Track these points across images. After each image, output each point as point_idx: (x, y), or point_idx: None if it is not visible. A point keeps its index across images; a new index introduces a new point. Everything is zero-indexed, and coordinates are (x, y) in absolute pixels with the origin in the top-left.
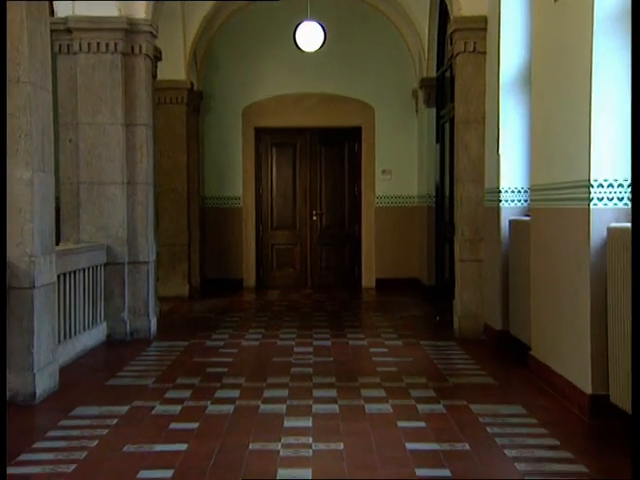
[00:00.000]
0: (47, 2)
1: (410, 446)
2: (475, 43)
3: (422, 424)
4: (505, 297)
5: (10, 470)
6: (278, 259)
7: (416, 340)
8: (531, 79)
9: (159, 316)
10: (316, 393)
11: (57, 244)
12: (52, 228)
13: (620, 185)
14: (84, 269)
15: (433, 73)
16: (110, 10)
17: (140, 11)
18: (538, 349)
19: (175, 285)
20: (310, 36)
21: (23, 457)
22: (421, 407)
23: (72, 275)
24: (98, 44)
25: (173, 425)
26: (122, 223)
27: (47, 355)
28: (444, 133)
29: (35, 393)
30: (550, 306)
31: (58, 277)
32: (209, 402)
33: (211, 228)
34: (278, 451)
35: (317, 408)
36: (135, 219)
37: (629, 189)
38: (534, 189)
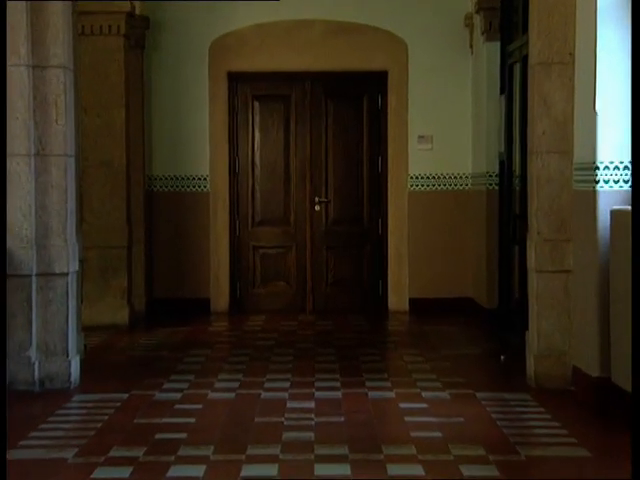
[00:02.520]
0: None
1: None
2: None
3: None
4: (605, 327)
5: None
6: (264, 269)
7: (470, 391)
8: None
9: (84, 355)
10: (320, 470)
11: None
12: None
13: None
14: None
15: None
16: None
17: None
18: None
19: (108, 308)
20: None
21: None
22: None
23: None
24: None
25: None
26: (28, 215)
27: None
28: (512, 80)
29: None
30: None
31: None
32: None
33: (162, 223)
34: None
35: None
36: (48, 209)
37: None
38: None
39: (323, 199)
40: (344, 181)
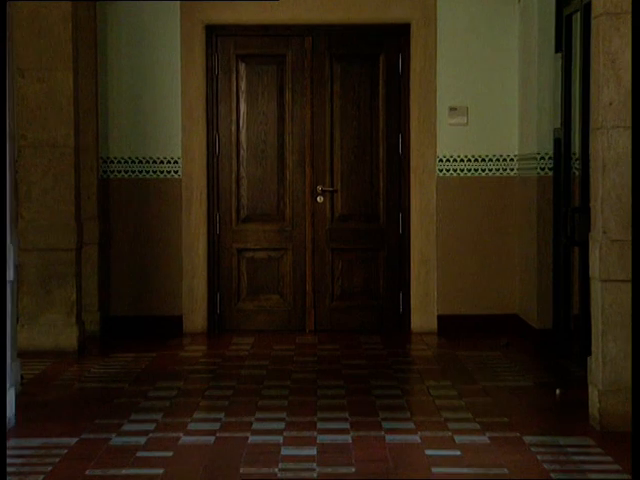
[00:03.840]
0: None
1: None
2: None
3: None
4: None
5: None
6: (251, 278)
7: (516, 434)
8: None
9: (20, 388)
10: None
11: None
12: None
13: None
14: None
15: None
16: None
17: None
18: None
19: (51, 328)
20: None
21: None
22: None
23: None
24: None
25: None
26: None
27: None
28: (571, 35)
29: None
30: None
31: None
32: None
33: (121, 219)
34: None
35: None
36: None
37: None
38: None
39: (328, 188)
40: (354, 165)
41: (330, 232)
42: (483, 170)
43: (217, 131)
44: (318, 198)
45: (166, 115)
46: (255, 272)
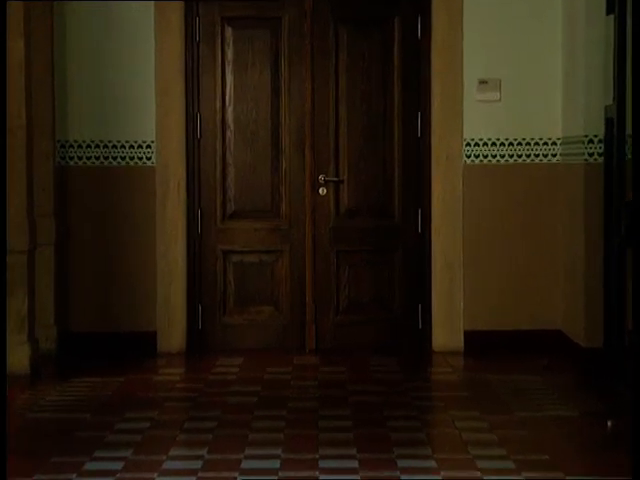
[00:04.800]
0: None
1: None
2: None
3: None
4: None
5: None
6: (240, 287)
7: (559, 475)
8: None
9: None
10: None
11: None
12: None
13: None
14: None
15: None
16: None
17: None
18: None
19: None
20: None
21: None
22: None
23: None
24: None
25: None
26: None
27: None
28: None
29: None
30: None
31: None
32: None
33: (83, 216)
34: None
35: None
36: None
37: None
38: None
39: (332, 178)
40: (364, 151)
41: (334, 231)
42: (519, 156)
43: (198, 109)
44: (320, 190)
45: (137, 90)
46: (244, 279)
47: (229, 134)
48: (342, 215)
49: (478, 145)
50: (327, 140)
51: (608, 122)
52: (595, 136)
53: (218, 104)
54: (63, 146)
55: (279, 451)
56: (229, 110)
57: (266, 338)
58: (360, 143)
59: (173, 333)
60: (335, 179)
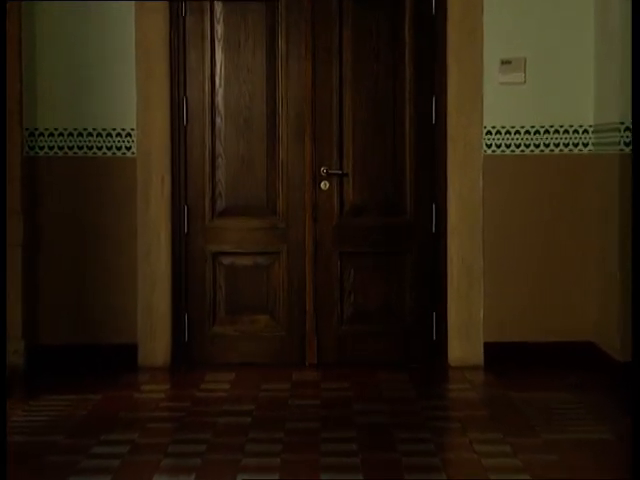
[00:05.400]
0: None
1: None
2: None
3: None
4: None
5: None
6: (232, 293)
7: None
8: None
9: None
10: None
11: None
12: None
13: None
14: None
15: None
16: None
17: None
18: None
19: None
20: None
21: None
22: None
23: None
24: None
25: None
26: None
27: None
28: None
29: None
30: None
31: None
32: None
33: (54, 213)
34: None
35: None
36: None
37: None
38: None
39: (335, 171)
40: (371, 140)
41: (338, 230)
42: (546, 146)
43: (185, 93)
44: (322, 184)
45: (115, 71)
46: (236, 284)
47: (219, 122)
48: (347, 212)
49: (500, 133)
50: (330, 128)
51: None
52: (632, 124)
53: (207, 87)
54: (32, 134)
55: (276, 478)
56: (219, 94)
57: (261, 351)
58: (367, 131)
59: (156, 345)
60: (339, 172)
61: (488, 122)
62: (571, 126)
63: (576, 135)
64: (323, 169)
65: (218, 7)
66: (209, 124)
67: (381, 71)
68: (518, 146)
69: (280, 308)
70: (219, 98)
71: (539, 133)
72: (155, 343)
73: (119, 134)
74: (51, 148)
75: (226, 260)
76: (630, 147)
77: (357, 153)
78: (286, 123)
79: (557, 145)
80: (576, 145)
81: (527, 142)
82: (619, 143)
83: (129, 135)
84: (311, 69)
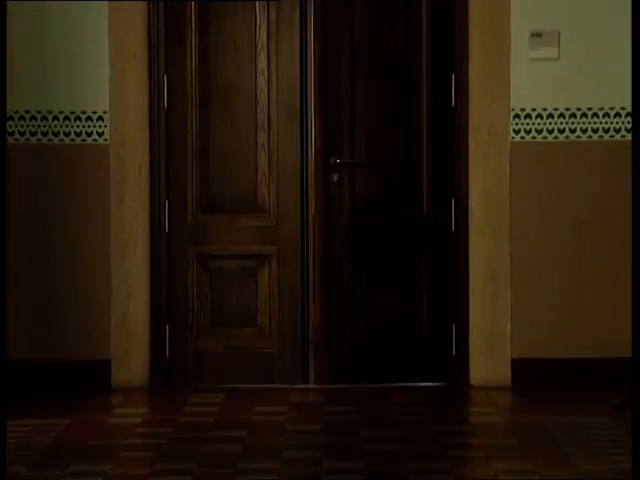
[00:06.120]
0: None
1: None
2: None
3: None
4: None
5: None
6: (219, 302)
7: None
8: None
9: None
10: None
11: None
12: None
13: None
14: None
15: None
16: None
17: None
18: None
19: None
20: None
21: None
22: None
23: None
24: None
25: None
26: None
27: None
28: None
29: None
30: None
31: None
32: None
33: (16, 209)
34: None
35: None
36: None
37: None
38: None
39: (344, 161)
40: (382, 125)
41: (351, 229)
42: (583, 131)
43: (165, 71)
44: (332, 177)
45: (85, 47)
46: (225, 292)
47: (204, 103)
48: (357, 208)
49: (530, 117)
50: (337, 110)
51: None
52: None
53: (189, 63)
54: None
55: None
56: (203, 71)
57: (254, 368)
58: (377, 115)
59: (132, 362)
60: (349, 162)
61: (516, 104)
62: (612, 108)
63: (618, 119)
64: (332, 160)
65: None
66: (192, 106)
67: (394, 43)
68: (551, 132)
69: (275, 319)
70: (204, 77)
71: (575, 117)
72: (131, 359)
73: (89, 118)
74: (10, 134)
75: (213, 263)
76: None
77: (370, 143)
78: (284, 104)
79: (596, 131)
80: (617, 131)
81: (561, 127)
82: None
83: (101, 119)
84: (316, 44)
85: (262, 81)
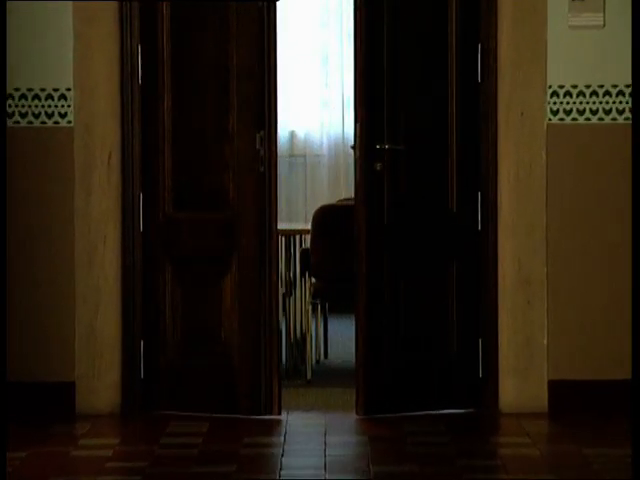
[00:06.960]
0: None
1: None
2: None
3: None
4: None
5: None
6: (201, 313)
7: None
8: None
9: None
10: None
11: None
12: None
13: None
14: None
15: None
16: None
17: None
18: None
19: None
20: None
21: None
22: None
23: None
24: None
25: None
26: None
27: None
28: None
29: None
30: None
31: None
32: None
33: None
34: None
35: None
36: None
37: None
38: None
39: (390, 146)
40: (403, 103)
41: (388, 230)
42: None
43: (139, 41)
44: (376, 165)
45: (44, 11)
46: (199, 303)
47: (184, 79)
48: (395, 208)
49: (570, 95)
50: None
51: None
52: None
53: (165, 33)
54: None
55: None
56: (188, 41)
57: (243, 392)
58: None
59: (101, 384)
60: (396, 147)
61: (553, 80)
62: None
63: None
64: (380, 145)
65: None
66: (170, 83)
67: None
68: (594, 112)
69: (267, 333)
70: (183, 48)
71: (622, 95)
72: (99, 381)
73: (49, 97)
74: None
75: (196, 267)
76: None
77: (409, 128)
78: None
79: None
80: None
81: (607, 107)
82: None
83: (63, 97)
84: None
85: (261, 57)
